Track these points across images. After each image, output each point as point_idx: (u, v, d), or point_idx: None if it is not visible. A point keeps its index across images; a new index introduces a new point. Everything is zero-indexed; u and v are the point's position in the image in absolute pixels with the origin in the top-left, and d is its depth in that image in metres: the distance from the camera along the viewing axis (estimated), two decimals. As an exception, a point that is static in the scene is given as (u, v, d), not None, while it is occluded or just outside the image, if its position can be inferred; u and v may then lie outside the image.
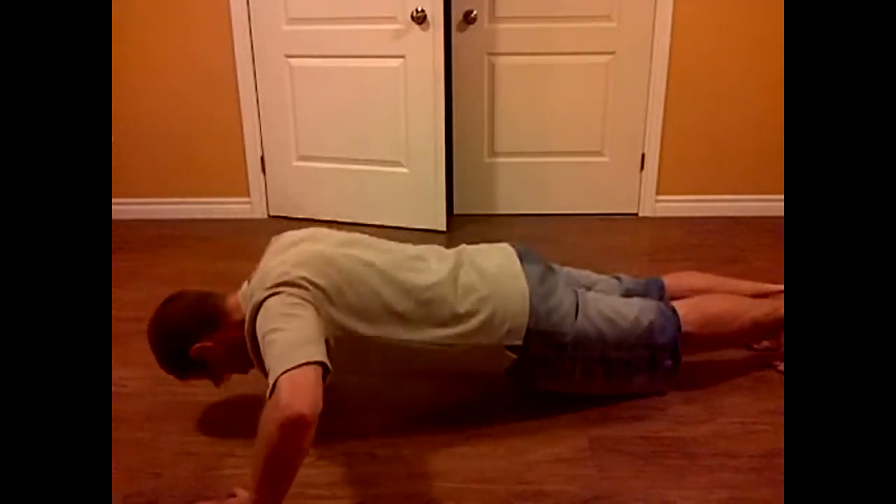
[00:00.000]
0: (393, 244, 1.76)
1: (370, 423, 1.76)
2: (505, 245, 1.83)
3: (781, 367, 1.94)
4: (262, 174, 3.34)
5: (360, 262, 1.60)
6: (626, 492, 1.52)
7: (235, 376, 1.73)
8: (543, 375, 1.74)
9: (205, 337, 1.60)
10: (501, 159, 3.31)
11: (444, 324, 1.62)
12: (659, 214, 3.33)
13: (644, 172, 3.29)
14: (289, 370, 1.30)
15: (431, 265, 1.68)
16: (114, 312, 2.37)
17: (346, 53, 3.03)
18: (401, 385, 1.92)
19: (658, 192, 3.31)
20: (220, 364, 1.65)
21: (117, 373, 2.00)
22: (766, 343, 2.03)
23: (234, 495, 1.46)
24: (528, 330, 1.65)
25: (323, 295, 1.52)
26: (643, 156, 3.27)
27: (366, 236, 1.76)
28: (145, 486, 1.56)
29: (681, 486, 1.53)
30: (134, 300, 2.47)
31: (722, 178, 3.29)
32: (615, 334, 1.71)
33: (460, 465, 1.61)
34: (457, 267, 1.69)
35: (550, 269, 1.80)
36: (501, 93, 3.21)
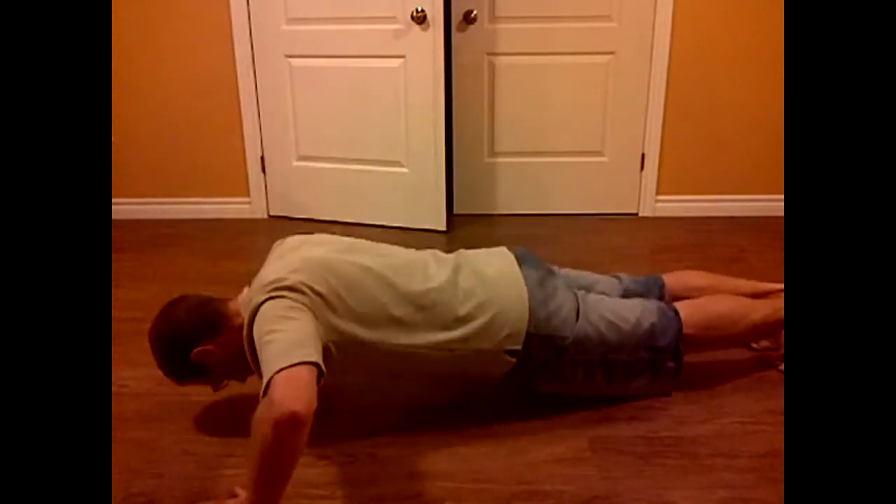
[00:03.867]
0: (393, 248, 1.76)
1: (370, 423, 1.76)
2: (503, 249, 1.83)
3: (781, 367, 1.95)
4: (262, 174, 3.34)
5: (359, 268, 1.61)
6: (626, 492, 1.52)
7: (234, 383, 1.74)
8: (544, 379, 1.74)
9: (206, 341, 1.61)
10: (501, 159, 3.31)
11: (443, 328, 1.62)
12: (659, 214, 3.33)
13: (644, 172, 3.29)
14: (283, 369, 1.30)
15: (430, 270, 1.68)
16: (114, 312, 2.37)
17: (346, 53, 3.03)
18: (401, 385, 1.92)
19: (658, 192, 3.31)
20: (220, 369, 1.65)
21: (117, 373, 2.00)
22: (765, 343, 2.03)
23: (234, 495, 1.46)
24: (527, 334, 1.65)
25: (321, 300, 1.52)
26: (643, 156, 3.27)
27: (365, 241, 1.76)
28: (145, 486, 1.56)
29: (681, 486, 1.53)
30: (134, 300, 2.47)
31: (722, 178, 3.29)
32: (616, 337, 1.71)
33: (460, 465, 1.61)
34: (456, 271, 1.69)
35: (550, 273, 1.80)
36: (501, 93, 3.21)
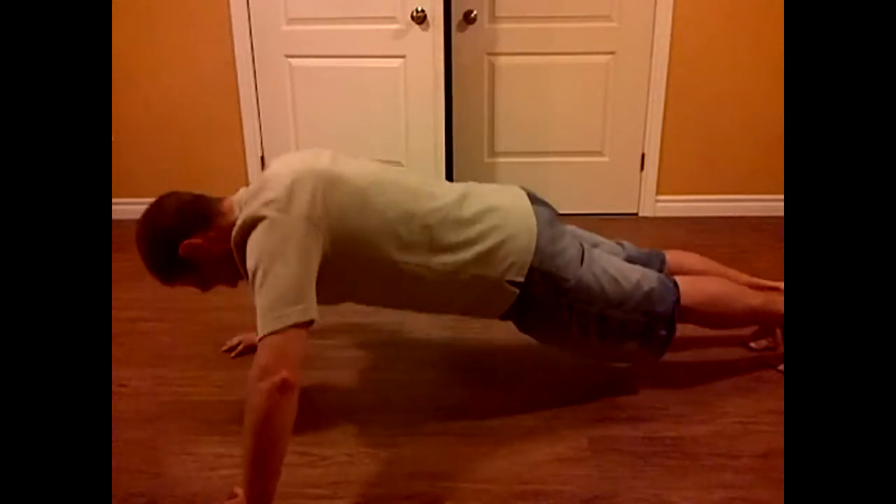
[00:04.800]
0: (399, 170, 1.71)
1: (371, 423, 1.76)
2: (516, 186, 1.80)
3: (781, 367, 1.95)
4: (262, 171, 3.34)
5: (367, 182, 1.57)
6: (626, 492, 1.52)
7: (237, 374, 1.73)
8: (539, 323, 1.71)
9: (195, 235, 1.57)
10: (501, 159, 3.31)
11: (444, 250, 1.59)
12: (659, 214, 3.33)
13: (644, 172, 3.29)
14: (276, 332, 1.33)
15: (437, 191, 1.65)
16: (114, 312, 2.37)
17: (346, 53, 3.03)
18: (402, 385, 1.92)
19: (658, 192, 3.32)
20: (209, 267, 1.61)
21: (117, 373, 2.00)
22: (765, 343, 2.03)
23: (234, 495, 1.46)
24: (531, 267, 1.63)
25: (325, 212, 1.48)
26: (643, 156, 3.27)
27: (372, 161, 1.71)
28: (145, 486, 1.56)
29: (681, 486, 1.53)
30: (134, 300, 2.47)
31: (722, 178, 3.29)
32: (616, 293, 1.69)
33: (460, 465, 1.61)
34: (463, 197, 1.66)
35: (559, 219, 1.78)
36: (501, 93, 3.21)
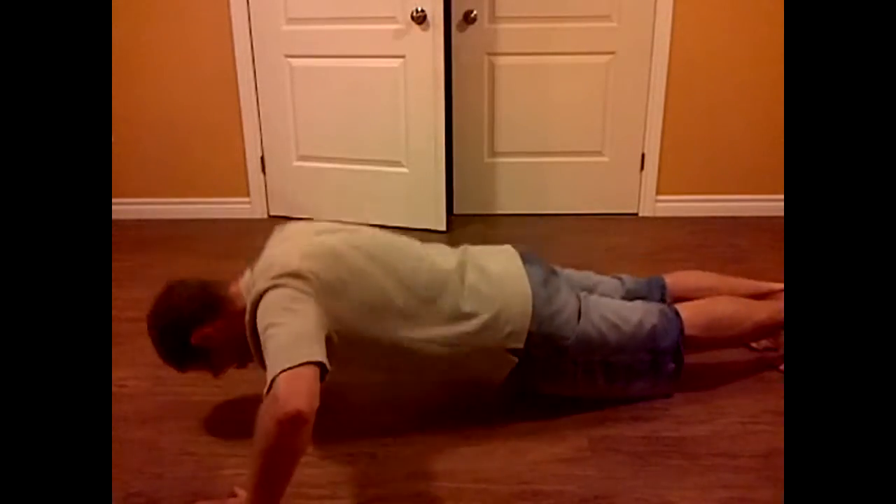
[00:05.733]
0: (402, 240, 1.73)
1: (371, 423, 1.76)
2: (508, 247, 1.83)
3: (781, 367, 1.94)
4: (262, 174, 3.34)
5: (367, 257, 1.59)
6: (626, 492, 1.52)
7: (237, 374, 1.73)
8: (545, 378, 1.74)
9: (206, 324, 1.59)
10: (501, 159, 3.31)
11: (446, 322, 1.62)
12: (659, 214, 3.33)
13: (644, 172, 3.29)
14: (287, 369, 1.30)
15: (436, 263, 1.67)
16: (114, 312, 2.37)
17: (346, 53, 3.03)
18: (401, 385, 1.92)
19: (658, 192, 3.31)
20: (221, 353, 1.63)
21: (117, 373, 2.00)
22: (765, 343, 2.03)
23: (234, 495, 1.46)
24: (530, 332, 1.65)
25: (327, 288, 1.51)
26: (643, 156, 3.27)
27: (372, 230, 1.73)
28: (145, 486, 1.56)
29: (681, 486, 1.53)
30: (134, 300, 2.47)
31: (722, 178, 3.29)
32: (617, 338, 1.71)
33: (460, 465, 1.61)
34: (460, 266, 1.69)
35: (553, 273, 1.80)
36: (501, 93, 3.21)
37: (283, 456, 1.28)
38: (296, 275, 1.48)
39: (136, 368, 2.02)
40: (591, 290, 1.87)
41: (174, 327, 1.59)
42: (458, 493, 1.52)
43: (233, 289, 1.65)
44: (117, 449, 1.68)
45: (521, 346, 1.66)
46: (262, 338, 1.41)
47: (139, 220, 3.36)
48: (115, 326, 2.25)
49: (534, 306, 1.66)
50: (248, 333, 1.53)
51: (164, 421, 1.79)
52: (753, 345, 2.05)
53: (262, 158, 3.32)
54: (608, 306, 1.76)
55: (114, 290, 2.55)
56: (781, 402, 1.81)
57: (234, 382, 1.94)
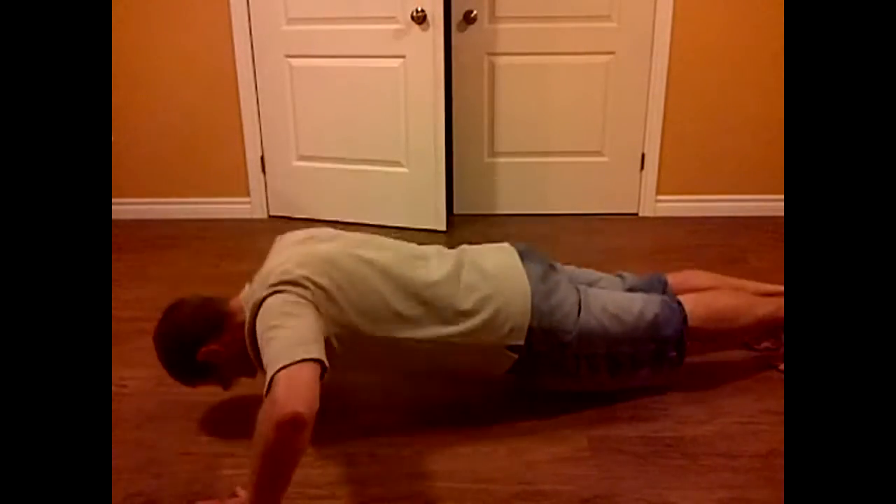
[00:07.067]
0: (395, 242, 1.76)
1: (370, 423, 1.76)
2: (506, 245, 1.83)
3: (781, 367, 1.95)
4: (262, 174, 3.34)
5: (362, 261, 1.61)
6: (626, 492, 1.52)
7: (244, 380, 1.74)
8: (547, 374, 1.73)
9: (211, 341, 1.61)
10: (501, 159, 3.31)
11: (445, 322, 1.62)
12: (659, 214, 3.33)
13: (644, 172, 3.29)
14: (286, 366, 1.30)
15: (433, 264, 1.68)
16: (114, 312, 2.37)
17: (346, 53, 3.03)
18: (401, 385, 1.92)
19: (658, 192, 3.31)
20: (228, 367, 1.65)
21: (117, 373, 2.00)
22: (766, 343, 2.03)
23: (234, 495, 1.46)
24: (530, 329, 1.65)
25: (324, 294, 1.52)
26: (643, 156, 3.27)
27: (368, 235, 1.76)
28: (145, 486, 1.56)
29: (681, 486, 1.53)
30: (134, 300, 2.47)
31: (722, 178, 3.29)
32: (620, 330, 1.71)
33: (460, 465, 1.61)
34: (458, 266, 1.69)
35: (552, 268, 1.80)
36: (501, 93, 3.21)
37: (283, 457, 1.28)
38: (294, 282, 1.50)
39: (136, 368, 2.02)
40: (590, 286, 1.86)
41: (180, 347, 1.61)
42: (458, 493, 1.52)
43: (233, 303, 1.67)
44: (117, 449, 1.68)
45: (521, 342, 1.66)
46: (260, 342, 1.42)
47: (139, 220, 3.36)
48: (115, 326, 2.26)
49: (533, 302, 1.66)
50: (248, 343, 1.54)
51: (164, 421, 1.79)
52: (754, 345, 2.05)
53: (262, 158, 3.32)
54: (609, 298, 1.76)
55: (114, 290, 2.55)
56: (781, 402, 1.81)
57: (245, 379, 1.93)
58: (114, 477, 1.58)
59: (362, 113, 3.10)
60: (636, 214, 3.35)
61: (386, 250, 1.68)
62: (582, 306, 1.71)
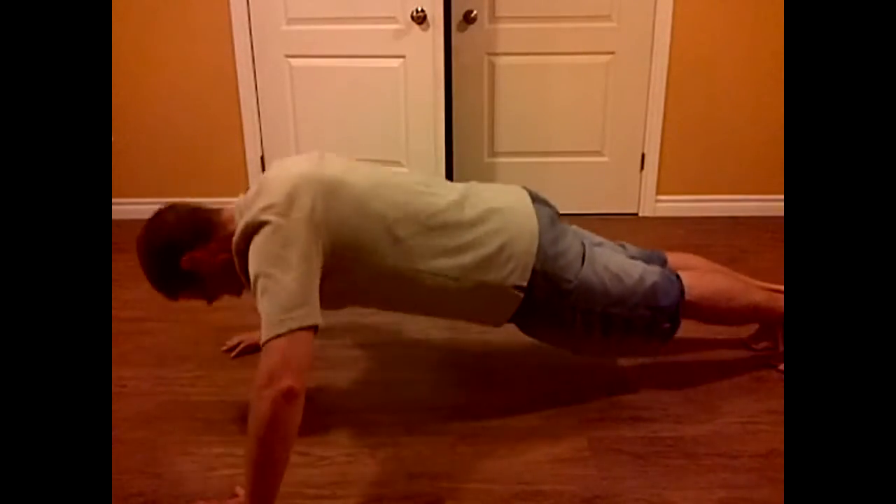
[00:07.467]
0: (402, 172, 1.70)
1: (371, 423, 1.76)
2: (517, 186, 1.79)
3: (781, 366, 1.95)
4: (262, 174, 3.34)
5: (367, 183, 1.56)
6: (626, 492, 1.52)
7: (236, 374, 1.73)
8: (543, 324, 1.70)
9: (197, 247, 1.56)
10: (501, 159, 3.31)
11: (447, 254, 1.57)
12: (659, 214, 3.33)
13: (644, 172, 3.29)
14: (280, 335, 1.31)
15: (438, 194, 1.63)
16: (114, 312, 2.37)
17: (346, 53, 3.03)
18: (402, 385, 1.92)
19: (658, 192, 3.32)
20: (213, 279, 1.60)
21: (117, 373, 2.00)
22: (765, 343, 2.03)
23: (234, 495, 1.46)
24: (534, 270, 1.61)
25: (325, 217, 1.47)
26: (643, 156, 3.27)
27: (377, 165, 1.69)
28: (145, 486, 1.56)
29: (681, 486, 1.53)
30: (134, 300, 2.47)
31: (722, 178, 3.29)
32: (619, 290, 1.68)
33: (460, 465, 1.61)
34: (464, 197, 1.64)
35: (560, 217, 1.77)
36: (501, 93, 3.21)
37: (278, 432, 1.28)
38: (288, 205, 1.44)
39: (136, 368, 2.02)
40: (595, 246, 1.85)
41: (163, 251, 1.56)
42: (458, 493, 1.52)
43: (226, 214, 1.61)
44: (117, 449, 1.68)
45: (524, 283, 1.61)
46: (252, 284, 1.39)
47: (139, 220, 3.35)
48: (115, 326, 2.26)
49: (540, 243, 1.62)
50: (236, 260, 1.50)
51: (164, 421, 1.79)
52: (753, 345, 2.05)
53: (262, 158, 3.32)
54: (611, 258, 1.74)
55: (114, 290, 2.55)
56: (781, 402, 1.81)
57: (234, 382, 1.94)
58: (114, 477, 1.58)
59: (362, 113, 3.10)
60: (636, 214, 3.35)
61: (393, 177, 1.63)
62: (586, 260, 1.68)
